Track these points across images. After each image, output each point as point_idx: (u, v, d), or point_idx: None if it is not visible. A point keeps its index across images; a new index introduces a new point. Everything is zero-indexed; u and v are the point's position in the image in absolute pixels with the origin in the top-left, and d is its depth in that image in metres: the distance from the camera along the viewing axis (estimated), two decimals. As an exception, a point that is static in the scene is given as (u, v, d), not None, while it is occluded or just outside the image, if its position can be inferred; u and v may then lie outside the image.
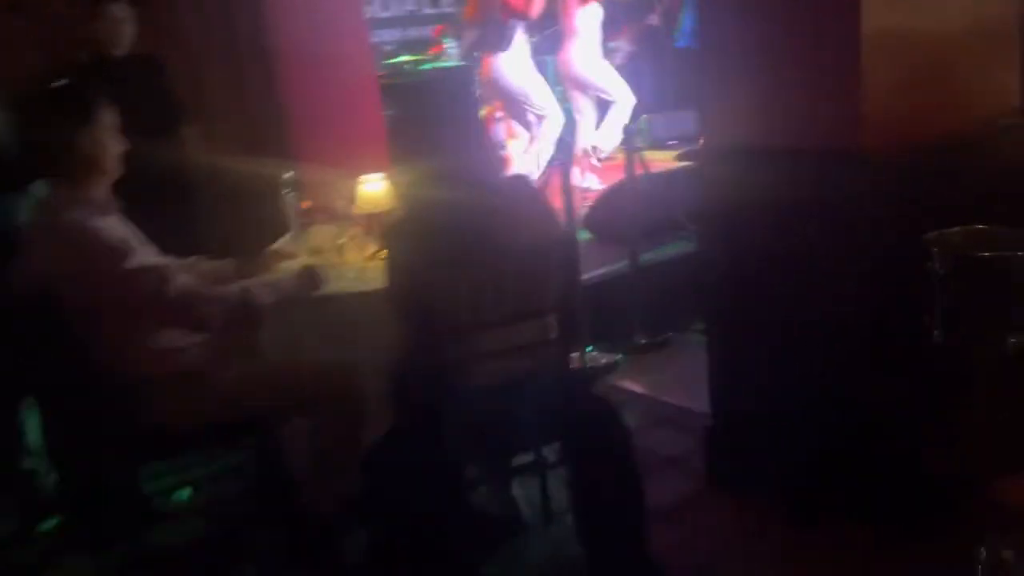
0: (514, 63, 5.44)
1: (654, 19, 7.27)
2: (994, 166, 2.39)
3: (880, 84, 2.18)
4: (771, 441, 2.60)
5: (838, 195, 2.26)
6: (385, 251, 2.00)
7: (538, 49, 6.04)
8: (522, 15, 5.28)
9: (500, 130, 8.15)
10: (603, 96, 5.91)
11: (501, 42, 5.35)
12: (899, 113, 2.25)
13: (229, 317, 2.30)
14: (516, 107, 5.59)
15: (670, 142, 7.45)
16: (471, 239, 1.96)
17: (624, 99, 5.94)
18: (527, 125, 5.76)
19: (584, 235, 4.79)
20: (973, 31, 2.37)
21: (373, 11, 9.60)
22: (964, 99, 2.39)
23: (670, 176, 4.47)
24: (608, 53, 6.43)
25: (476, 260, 1.97)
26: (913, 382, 2.31)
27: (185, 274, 2.31)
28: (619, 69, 6.27)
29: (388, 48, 9.21)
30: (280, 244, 2.89)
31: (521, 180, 2.25)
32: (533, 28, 5.76)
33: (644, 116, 7.10)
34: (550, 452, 2.41)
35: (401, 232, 1.99)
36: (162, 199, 3.38)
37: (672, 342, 4.04)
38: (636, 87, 6.17)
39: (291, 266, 2.66)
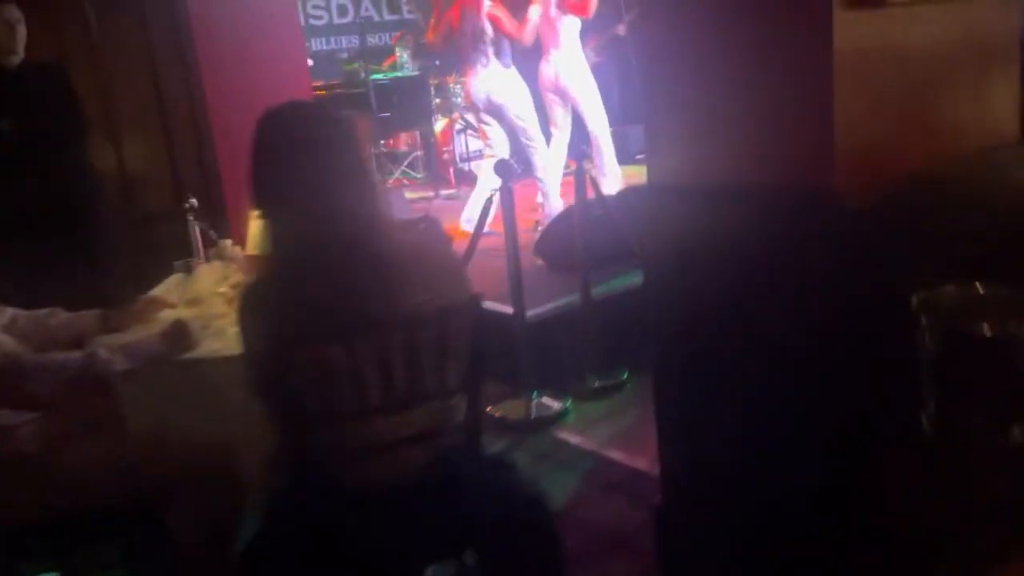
0: (508, 81, 5.18)
1: (621, 29, 6.96)
2: (990, 206, 2.03)
3: (855, 112, 1.81)
4: (730, 525, 2.23)
5: (806, 243, 1.89)
6: (239, 320, 1.60)
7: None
8: (516, 41, 5.04)
9: (459, 142, 7.82)
10: (582, 109, 5.57)
11: (501, 57, 5.15)
12: (878, 146, 1.88)
13: (71, 389, 1.89)
14: (504, 124, 5.26)
15: (639, 156, 7.14)
16: (352, 303, 1.57)
17: (602, 124, 5.64)
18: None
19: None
20: (964, 49, 2.00)
21: (329, 16, 9.24)
22: (955, 128, 2.03)
23: (624, 199, 4.11)
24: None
25: (358, 330, 1.57)
26: (900, 467, 1.94)
27: (11, 339, 1.89)
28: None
29: (344, 56, 8.85)
30: (159, 290, 2.47)
31: (423, 227, 1.85)
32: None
33: (610, 129, 6.78)
34: (468, 557, 2.01)
35: (260, 294, 1.58)
36: (31, 233, 2.98)
37: (628, 384, 3.66)
38: (603, 99, 5.85)
39: (169, 317, 2.27)
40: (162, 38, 4.17)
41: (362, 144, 1.60)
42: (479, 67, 5.13)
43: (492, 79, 5.14)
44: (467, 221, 5.20)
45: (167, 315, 2.29)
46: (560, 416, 3.42)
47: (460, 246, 3.59)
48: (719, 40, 1.98)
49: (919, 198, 1.89)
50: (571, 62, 5.53)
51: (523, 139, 5.22)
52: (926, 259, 1.83)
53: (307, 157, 1.54)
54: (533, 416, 3.40)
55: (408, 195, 7.30)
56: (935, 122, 1.99)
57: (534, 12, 5.03)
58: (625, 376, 3.69)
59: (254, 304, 1.58)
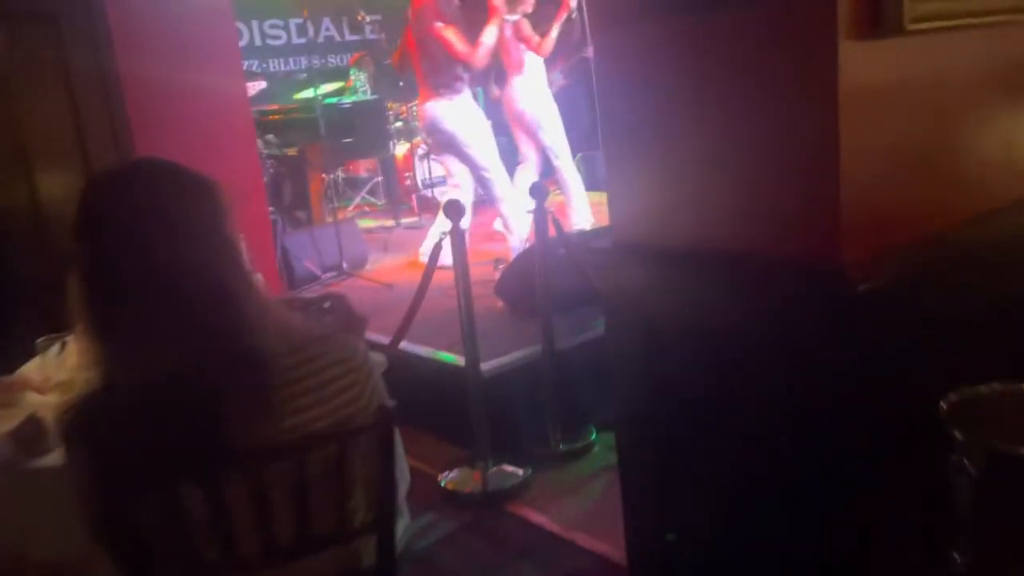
0: (458, 108, 4.80)
1: (590, 52, 6.65)
2: None
3: (864, 161, 1.48)
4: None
5: (801, 320, 1.54)
6: (64, 448, 1.21)
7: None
8: (467, 64, 4.68)
9: (422, 168, 7.45)
10: (542, 137, 5.23)
11: (453, 82, 4.75)
12: (892, 202, 1.54)
13: None
14: (460, 156, 4.88)
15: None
16: (213, 425, 1.18)
17: (565, 155, 5.30)
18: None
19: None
20: (994, 83, 1.67)
21: (288, 37, 8.87)
22: (983, 178, 1.69)
23: (589, 238, 3.77)
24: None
25: (222, 461, 1.19)
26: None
27: None
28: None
29: (302, 77, 8.45)
30: (31, 366, 2.06)
31: (327, 306, 1.46)
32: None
33: (579, 155, 6.47)
34: None
35: (88, 415, 1.19)
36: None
37: (596, 447, 3.29)
38: (571, 124, 5.56)
39: (35, 403, 1.87)
40: (82, 65, 3.77)
41: (231, 214, 1.22)
42: (430, 93, 4.78)
43: (441, 106, 4.78)
44: (424, 254, 4.84)
45: (33, 400, 1.89)
46: (520, 488, 3.03)
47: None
48: (696, 73, 1.63)
49: (942, 268, 1.55)
50: (532, 89, 5.23)
51: (479, 169, 4.85)
52: (954, 345, 1.49)
53: (151, 233, 1.16)
54: (489, 488, 3.02)
55: (367, 223, 6.93)
56: (960, 171, 1.65)
57: (488, 35, 4.68)
58: (594, 437, 3.32)
59: (81, 428, 1.19)
